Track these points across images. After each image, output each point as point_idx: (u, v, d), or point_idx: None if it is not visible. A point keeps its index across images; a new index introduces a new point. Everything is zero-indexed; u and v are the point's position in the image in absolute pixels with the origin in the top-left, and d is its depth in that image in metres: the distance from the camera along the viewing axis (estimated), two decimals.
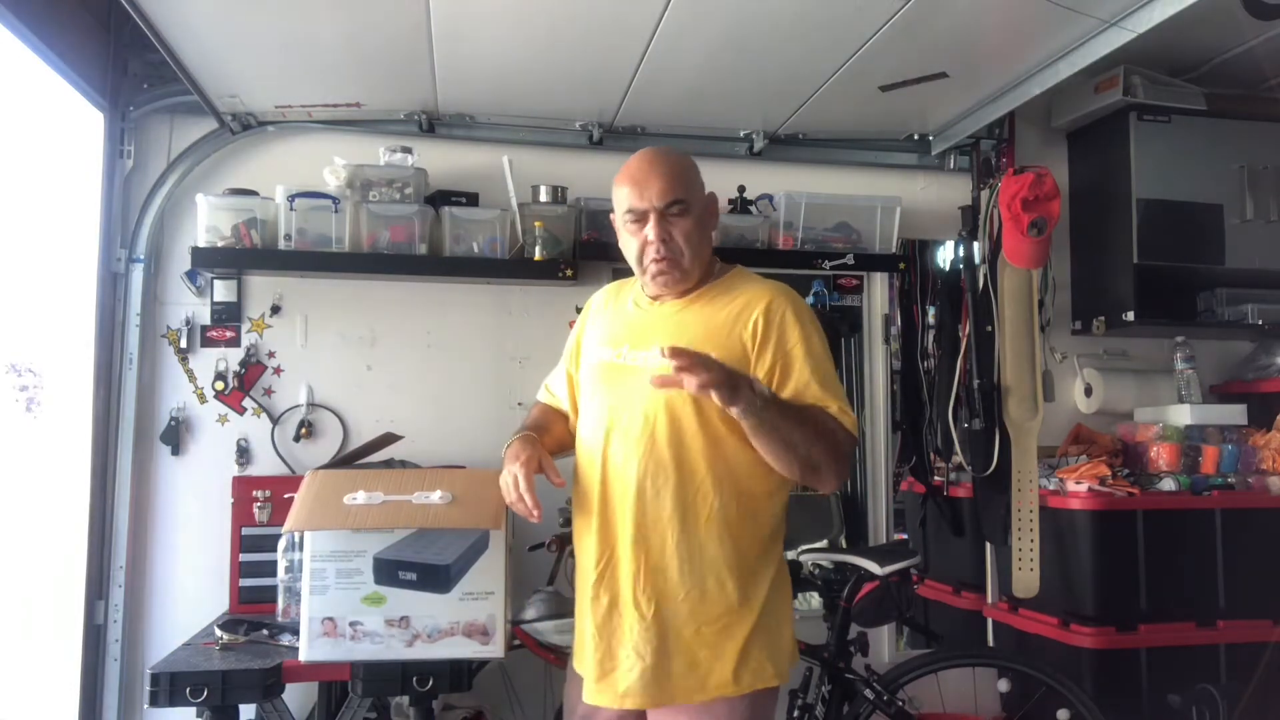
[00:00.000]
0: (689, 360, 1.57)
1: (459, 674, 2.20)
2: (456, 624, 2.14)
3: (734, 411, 1.63)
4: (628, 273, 2.90)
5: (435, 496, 2.07)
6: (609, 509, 1.82)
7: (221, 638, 2.36)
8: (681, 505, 1.75)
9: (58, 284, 2.93)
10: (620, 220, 1.87)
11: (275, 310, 2.98)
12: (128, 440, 2.84)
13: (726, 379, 1.60)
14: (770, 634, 1.78)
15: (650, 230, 1.80)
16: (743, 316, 1.80)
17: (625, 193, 1.83)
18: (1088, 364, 3.37)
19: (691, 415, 1.76)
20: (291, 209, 2.81)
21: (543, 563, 2.67)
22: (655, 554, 1.76)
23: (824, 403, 1.74)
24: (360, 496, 2.07)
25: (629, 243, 1.86)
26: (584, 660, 1.84)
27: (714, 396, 1.60)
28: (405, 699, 2.48)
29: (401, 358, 3.05)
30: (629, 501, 1.78)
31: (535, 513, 1.79)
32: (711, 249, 1.91)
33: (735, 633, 1.75)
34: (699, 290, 1.88)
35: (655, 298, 1.91)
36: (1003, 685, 3.02)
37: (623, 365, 1.86)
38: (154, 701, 2.09)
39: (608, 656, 1.79)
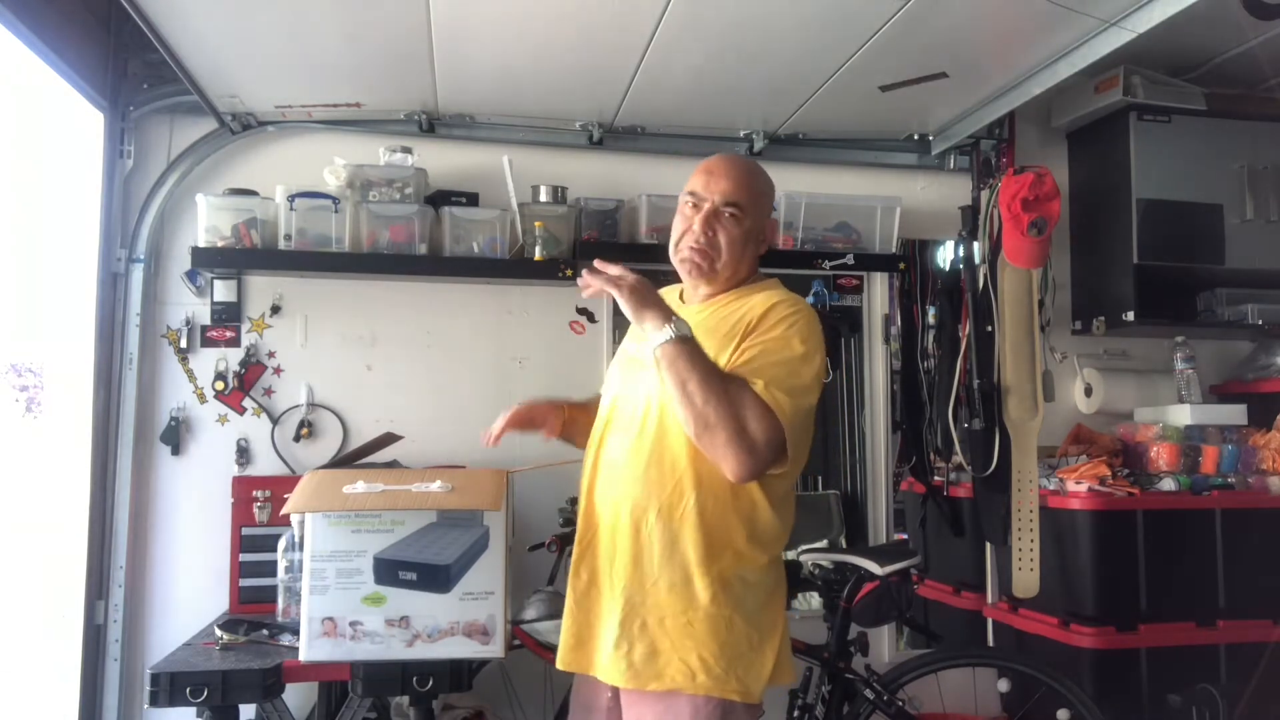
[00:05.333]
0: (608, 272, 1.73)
1: (459, 674, 2.20)
2: (456, 624, 2.14)
3: (644, 328, 1.70)
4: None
5: (435, 486, 2.09)
6: (595, 493, 1.88)
7: (221, 638, 2.36)
8: (659, 496, 1.77)
9: (58, 284, 2.94)
10: (681, 199, 1.92)
11: (275, 310, 2.99)
12: (128, 440, 2.84)
13: (634, 291, 1.70)
14: (742, 645, 1.75)
15: (698, 219, 1.86)
16: (746, 316, 1.82)
17: (696, 178, 1.90)
18: (1088, 364, 3.38)
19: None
20: (291, 209, 2.81)
21: (543, 563, 2.67)
22: (629, 540, 1.79)
23: (754, 378, 1.71)
24: (360, 486, 2.09)
25: (678, 224, 1.91)
26: (564, 630, 1.88)
27: (620, 299, 1.70)
28: (405, 699, 2.48)
29: (401, 358, 3.05)
30: (612, 487, 1.83)
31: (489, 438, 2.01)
32: (752, 267, 1.93)
33: (699, 631, 1.74)
34: (726, 294, 1.91)
35: (685, 300, 1.97)
36: (1003, 685, 3.03)
37: (636, 358, 1.91)
38: (154, 701, 2.09)
39: (585, 628, 1.84)
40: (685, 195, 1.91)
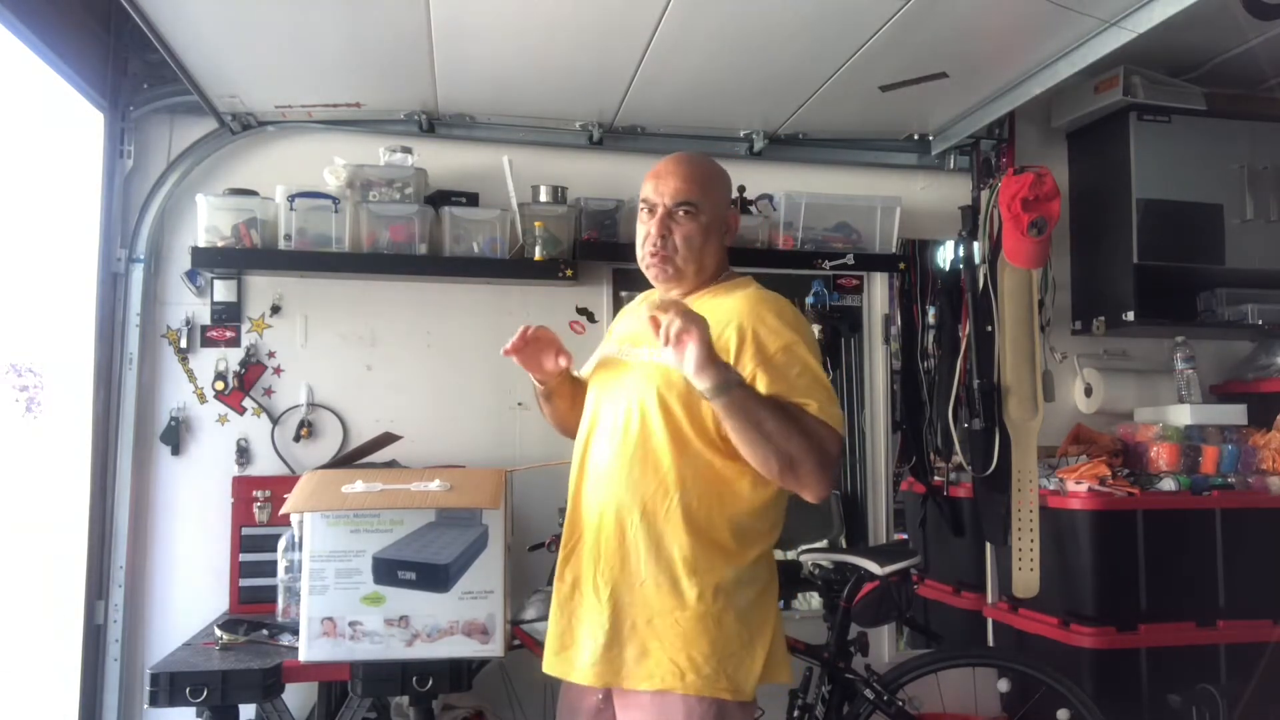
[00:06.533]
0: (678, 314, 1.61)
1: (459, 673, 2.20)
2: (456, 623, 2.14)
3: (704, 385, 1.63)
4: (627, 272, 2.92)
5: (433, 485, 2.10)
6: (581, 496, 1.88)
7: (221, 638, 2.37)
8: (643, 497, 1.78)
9: (58, 284, 2.94)
10: (638, 209, 1.93)
11: (275, 310, 2.99)
12: (128, 440, 2.84)
13: (702, 342, 1.61)
14: (733, 644, 1.76)
15: (653, 224, 1.86)
16: (731, 322, 1.80)
17: (646, 185, 1.91)
18: (1088, 364, 3.37)
19: (658, 414, 1.78)
20: (291, 209, 2.81)
21: (542, 563, 2.67)
22: (614, 541, 1.80)
23: (804, 401, 1.72)
24: (359, 485, 2.09)
25: (639, 231, 1.92)
26: (549, 634, 1.89)
27: (687, 357, 1.61)
28: (405, 699, 2.48)
29: (401, 358, 3.05)
30: (598, 490, 1.84)
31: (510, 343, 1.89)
32: (720, 259, 1.94)
33: (688, 630, 1.74)
34: (699, 294, 1.91)
35: None
36: (1003, 685, 3.03)
37: (619, 360, 1.93)
38: (154, 701, 2.10)
39: (567, 632, 1.85)
40: (640, 204, 1.91)
